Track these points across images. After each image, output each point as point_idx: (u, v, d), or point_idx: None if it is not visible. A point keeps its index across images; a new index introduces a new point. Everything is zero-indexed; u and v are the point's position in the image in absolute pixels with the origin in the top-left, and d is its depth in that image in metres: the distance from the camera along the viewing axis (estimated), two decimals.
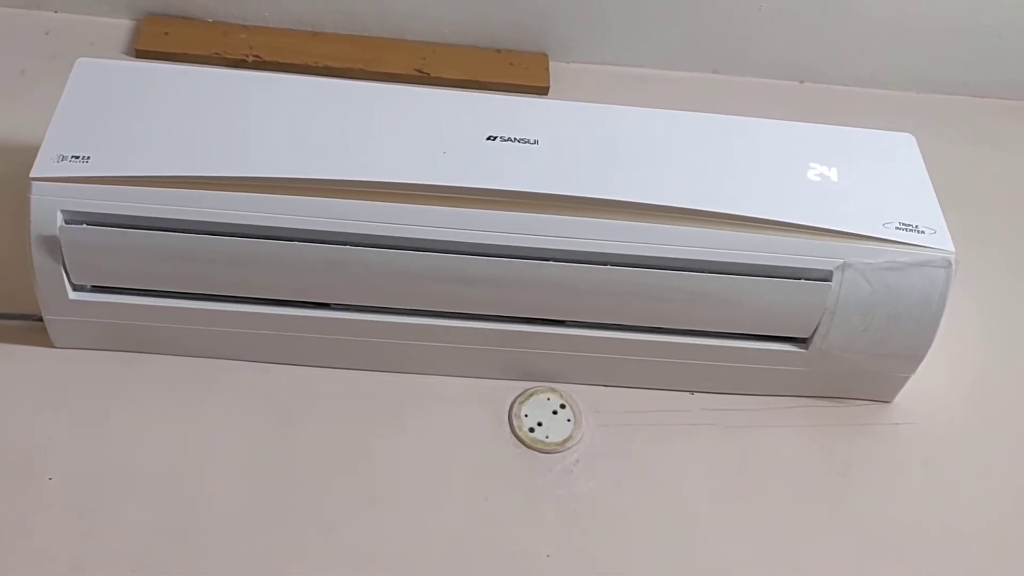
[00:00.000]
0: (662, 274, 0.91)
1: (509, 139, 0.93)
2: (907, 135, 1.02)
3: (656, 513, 0.93)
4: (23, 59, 1.20)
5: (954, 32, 1.29)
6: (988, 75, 1.34)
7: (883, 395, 1.02)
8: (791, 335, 0.96)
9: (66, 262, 0.88)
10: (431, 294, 0.92)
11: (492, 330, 0.95)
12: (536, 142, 0.93)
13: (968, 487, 0.98)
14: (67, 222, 0.86)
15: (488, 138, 0.93)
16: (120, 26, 1.26)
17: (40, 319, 0.93)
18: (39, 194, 0.86)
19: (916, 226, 0.93)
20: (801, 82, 1.34)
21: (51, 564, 0.83)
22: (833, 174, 0.96)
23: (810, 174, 0.96)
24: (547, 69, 1.28)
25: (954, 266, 0.92)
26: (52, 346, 0.95)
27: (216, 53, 1.23)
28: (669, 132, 0.98)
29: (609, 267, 0.91)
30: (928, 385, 1.01)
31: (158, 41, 1.24)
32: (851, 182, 0.96)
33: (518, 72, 1.28)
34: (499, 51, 1.29)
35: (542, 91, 1.27)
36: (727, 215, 0.91)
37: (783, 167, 0.96)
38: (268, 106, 0.93)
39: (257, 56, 1.24)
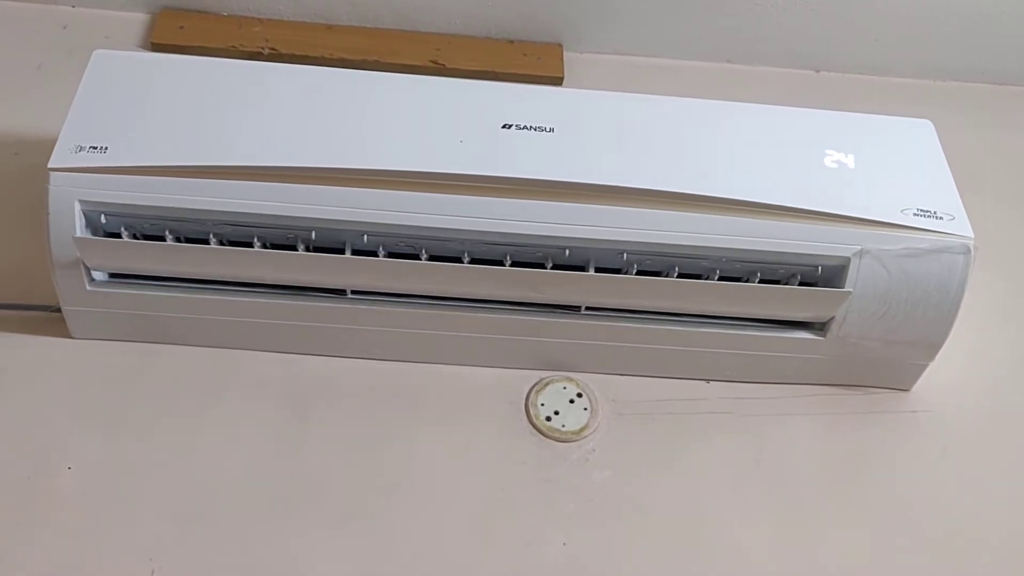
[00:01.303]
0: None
1: (525, 127, 0.93)
2: (925, 121, 1.01)
3: (672, 502, 0.92)
4: (40, 53, 1.21)
5: (972, 19, 1.28)
6: (1007, 62, 1.33)
7: (901, 383, 1.01)
8: (808, 321, 0.96)
9: (83, 252, 0.88)
10: (447, 282, 0.92)
11: (508, 319, 0.94)
12: (552, 130, 0.93)
13: (987, 476, 0.98)
14: (85, 212, 0.87)
15: (504, 126, 0.93)
16: (136, 20, 1.26)
17: (58, 310, 0.94)
18: (57, 184, 0.86)
19: (934, 212, 0.93)
20: (817, 71, 1.34)
21: (69, 552, 0.84)
22: (850, 161, 0.95)
23: (827, 161, 0.95)
24: (561, 59, 1.28)
25: (973, 252, 0.91)
26: (70, 337, 0.95)
27: (232, 46, 1.24)
28: (684, 120, 0.97)
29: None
30: (947, 373, 1.01)
31: (174, 34, 1.24)
32: (868, 168, 0.95)
33: (532, 62, 1.28)
34: (513, 42, 1.29)
35: (556, 81, 1.26)
36: (743, 202, 0.90)
37: (799, 154, 0.95)
38: (284, 96, 0.93)
39: (273, 49, 1.24)
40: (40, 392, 0.93)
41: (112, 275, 0.92)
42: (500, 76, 1.25)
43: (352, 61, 1.24)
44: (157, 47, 1.23)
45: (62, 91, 0.95)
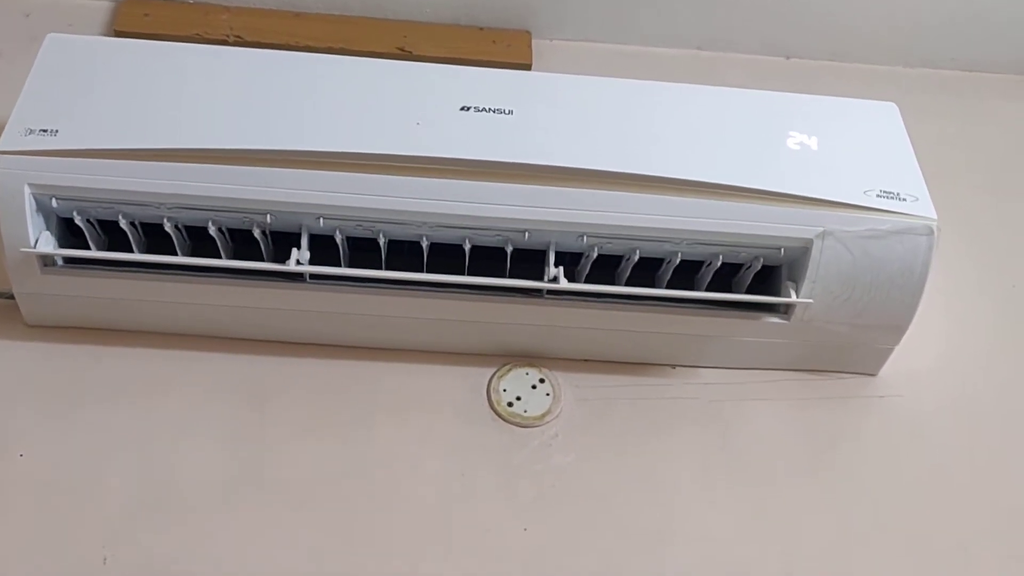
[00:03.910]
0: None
1: (484, 109, 0.92)
2: (890, 104, 1.00)
3: (635, 488, 0.91)
4: (1, 41, 1.20)
5: (943, 6, 1.27)
6: (977, 50, 1.32)
7: (868, 368, 1.01)
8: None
9: (35, 236, 0.87)
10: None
11: (470, 304, 0.93)
12: (511, 112, 0.92)
13: (954, 459, 0.97)
14: (35, 195, 0.85)
15: (462, 108, 0.92)
16: (100, 7, 1.25)
17: (11, 297, 0.92)
18: (6, 167, 0.85)
19: (898, 194, 0.92)
20: (787, 58, 1.33)
21: (20, 540, 0.82)
22: (813, 143, 0.95)
23: (789, 142, 0.94)
24: (530, 46, 1.27)
25: (936, 233, 0.90)
26: (24, 323, 0.94)
27: (196, 34, 1.22)
28: (645, 102, 0.96)
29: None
30: (913, 357, 1.00)
31: (138, 22, 1.23)
32: (831, 150, 0.94)
33: (500, 50, 1.26)
34: (481, 29, 1.28)
35: (524, 68, 1.25)
36: (704, 183, 0.89)
37: (762, 136, 0.95)
38: (238, 79, 0.92)
39: (238, 37, 1.23)
40: None
41: (67, 259, 0.91)
42: (468, 63, 1.21)
43: (318, 49, 1.22)
44: (120, 35, 1.22)
45: (22, 79, 0.93)
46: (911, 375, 1.01)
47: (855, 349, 0.98)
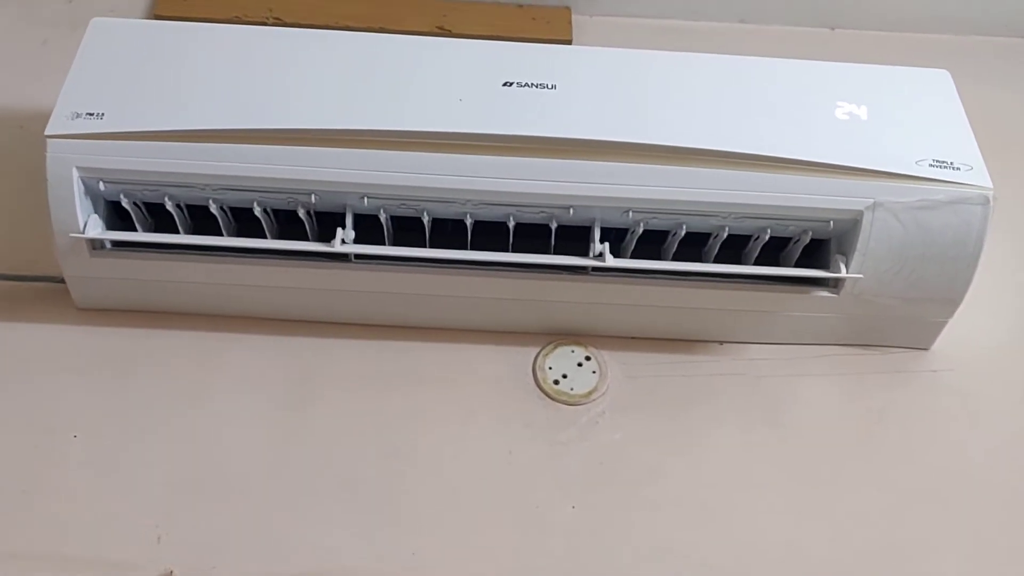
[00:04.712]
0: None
1: (526, 84, 0.91)
2: (942, 71, 0.98)
3: (683, 465, 0.91)
4: (45, 29, 1.21)
5: None
6: None
7: (920, 342, 0.99)
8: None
9: (83, 220, 0.87)
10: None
11: (514, 282, 0.93)
12: (554, 87, 0.91)
13: (1010, 434, 0.95)
14: (83, 179, 0.86)
15: (505, 84, 0.91)
16: None
17: (62, 281, 0.93)
18: (55, 152, 0.86)
19: (951, 163, 0.90)
20: (833, 28, 1.30)
21: (75, 520, 0.83)
22: (863, 112, 0.93)
23: (838, 112, 0.92)
24: (570, 23, 1.26)
25: (992, 203, 0.88)
26: (75, 307, 0.95)
27: (235, 17, 1.23)
28: (689, 74, 0.95)
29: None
30: (967, 330, 0.98)
31: (178, 6, 1.24)
32: (882, 120, 0.92)
33: (540, 27, 1.25)
34: (520, 6, 1.27)
35: (565, 45, 1.24)
36: (751, 155, 0.88)
37: (809, 106, 0.93)
38: (281, 59, 0.92)
39: (277, 19, 1.23)
40: (45, 362, 0.92)
41: (115, 243, 0.92)
42: (508, 40, 1.22)
43: (357, 29, 1.21)
44: (161, 20, 1.23)
45: (67, 65, 0.94)
46: (965, 349, 0.99)
47: (907, 323, 0.96)
